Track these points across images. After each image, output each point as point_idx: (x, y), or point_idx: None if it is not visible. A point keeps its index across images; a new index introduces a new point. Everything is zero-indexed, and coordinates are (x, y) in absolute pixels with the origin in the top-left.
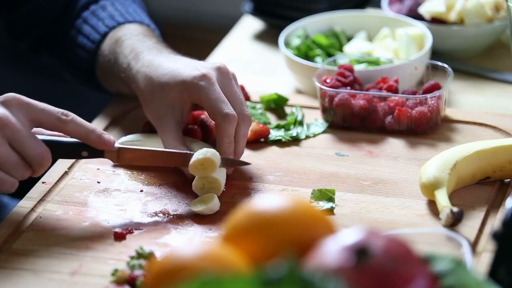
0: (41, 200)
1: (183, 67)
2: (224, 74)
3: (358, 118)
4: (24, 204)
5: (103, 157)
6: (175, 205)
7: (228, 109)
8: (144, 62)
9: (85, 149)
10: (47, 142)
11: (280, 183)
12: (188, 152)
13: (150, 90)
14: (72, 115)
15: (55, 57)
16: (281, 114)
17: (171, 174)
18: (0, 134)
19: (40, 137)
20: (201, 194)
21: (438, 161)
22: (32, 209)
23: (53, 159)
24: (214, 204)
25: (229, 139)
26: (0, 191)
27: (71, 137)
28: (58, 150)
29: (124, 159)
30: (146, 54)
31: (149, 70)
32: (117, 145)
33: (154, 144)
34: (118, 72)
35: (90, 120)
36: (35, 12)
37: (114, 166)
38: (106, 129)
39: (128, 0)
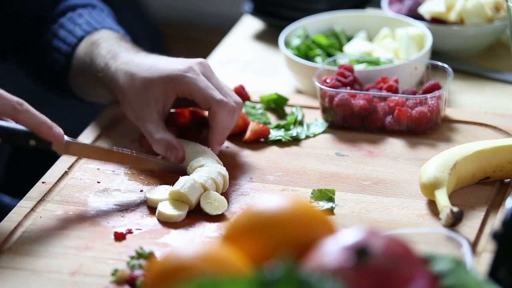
0: (41, 200)
1: (165, 63)
2: (206, 68)
3: (358, 118)
4: (24, 204)
5: (50, 148)
6: None
7: (220, 95)
8: (123, 60)
9: (33, 138)
10: None
11: (280, 183)
12: (142, 155)
13: (131, 86)
14: (26, 105)
15: (25, 63)
16: (281, 114)
17: (171, 174)
18: None
19: None
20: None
21: (438, 161)
22: (32, 209)
23: (2, 144)
24: (224, 204)
25: (224, 125)
26: None
27: (23, 126)
28: (6, 136)
29: (71, 152)
30: (124, 54)
31: (129, 67)
32: (65, 138)
33: (194, 149)
34: (95, 72)
35: (86, 125)
36: (11, 18)
37: (115, 166)
38: (103, 132)
39: (105, 12)
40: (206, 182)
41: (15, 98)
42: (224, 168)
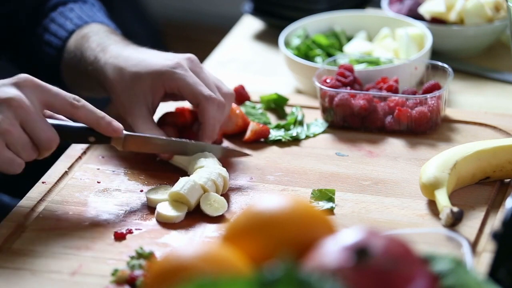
0: (41, 200)
1: (153, 57)
2: (194, 63)
3: (358, 118)
4: (24, 204)
5: (109, 143)
6: None
7: (209, 91)
8: (112, 54)
9: (93, 134)
10: (55, 126)
11: (280, 183)
12: (192, 142)
13: (120, 80)
14: (83, 101)
15: (17, 59)
16: (281, 114)
17: (171, 174)
18: (13, 115)
19: (49, 120)
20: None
21: (438, 161)
22: (32, 209)
23: (61, 142)
24: (224, 206)
25: (214, 120)
26: (8, 171)
27: (81, 122)
28: (66, 134)
29: (130, 147)
30: (113, 47)
31: (118, 61)
32: (125, 132)
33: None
34: (85, 66)
35: None
36: (7, 16)
37: (114, 166)
38: None
39: (96, 7)
40: (206, 184)
41: (71, 95)
42: (225, 169)
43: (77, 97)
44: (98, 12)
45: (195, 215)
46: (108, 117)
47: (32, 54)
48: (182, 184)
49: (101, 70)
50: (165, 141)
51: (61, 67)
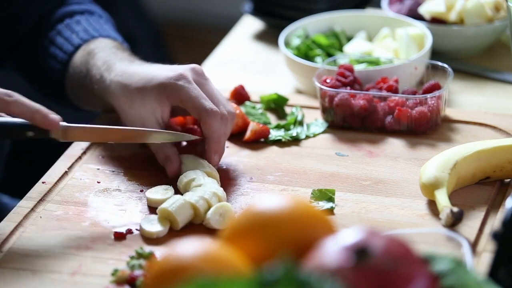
0: (41, 200)
1: (157, 71)
2: (199, 74)
3: (358, 118)
4: (24, 204)
5: (49, 136)
6: None
7: (211, 105)
8: (117, 72)
9: (31, 129)
10: None
11: (280, 183)
12: (142, 129)
13: (127, 97)
14: (16, 96)
15: (22, 70)
16: (281, 114)
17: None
18: None
19: None
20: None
21: (438, 161)
22: (32, 209)
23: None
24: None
25: (217, 133)
26: None
27: (17, 117)
28: (3, 131)
29: (70, 137)
30: (118, 64)
31: (123, 79)
32: (62, 123)
33: (193, 162)
34: (91, 84)
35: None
36: (9, 22)
37: (114, 166)
38: None
39: (103, 18)
40: (197, 202)
41: (3, 90)
42: (221, 189)
43: (9, 92)
44: (105, 25)
45: (194, 224)
46: (44, 110)
47: (37, 66)
48: (172, 202)
49: (106, 89)
50: (108, 130)
51: (66, 81)
